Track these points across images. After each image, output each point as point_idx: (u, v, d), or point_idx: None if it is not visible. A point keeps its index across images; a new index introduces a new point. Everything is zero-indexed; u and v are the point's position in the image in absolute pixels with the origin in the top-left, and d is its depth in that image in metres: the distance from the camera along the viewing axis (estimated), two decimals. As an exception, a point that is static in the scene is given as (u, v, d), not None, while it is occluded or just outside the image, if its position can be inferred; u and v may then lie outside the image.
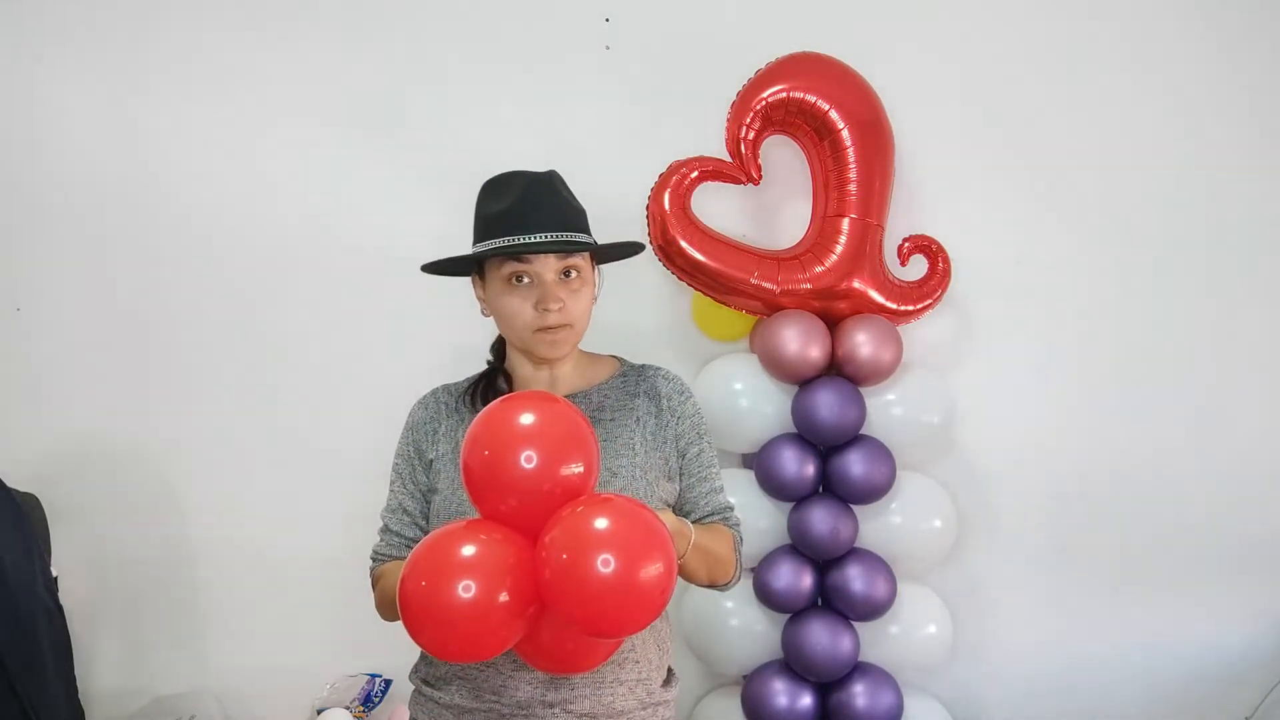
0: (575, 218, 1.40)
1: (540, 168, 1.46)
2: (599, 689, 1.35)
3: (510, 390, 1.46)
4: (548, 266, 1.36)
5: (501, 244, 1.35)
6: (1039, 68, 2.35)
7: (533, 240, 1.34)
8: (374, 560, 1.45)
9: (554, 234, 1.35)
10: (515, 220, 1.35)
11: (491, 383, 1.47)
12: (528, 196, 1.37)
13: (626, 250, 1.50)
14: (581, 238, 1.39)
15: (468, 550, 1.07)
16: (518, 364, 1.47)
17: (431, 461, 1.43)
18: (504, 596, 1.06)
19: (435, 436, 1.44)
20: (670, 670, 1.48)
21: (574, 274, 1.39)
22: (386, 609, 1.38)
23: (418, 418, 1.48)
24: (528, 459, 1.09)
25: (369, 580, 1.45)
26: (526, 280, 1.37)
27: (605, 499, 1.11)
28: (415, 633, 1.07)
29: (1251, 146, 2.34)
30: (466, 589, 1.04)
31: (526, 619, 1.09)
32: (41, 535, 2.11)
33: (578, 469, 1.12)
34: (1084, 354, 2.39)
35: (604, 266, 1.53)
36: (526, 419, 1.13)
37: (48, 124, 2.42)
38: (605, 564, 1.02)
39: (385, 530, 1.45)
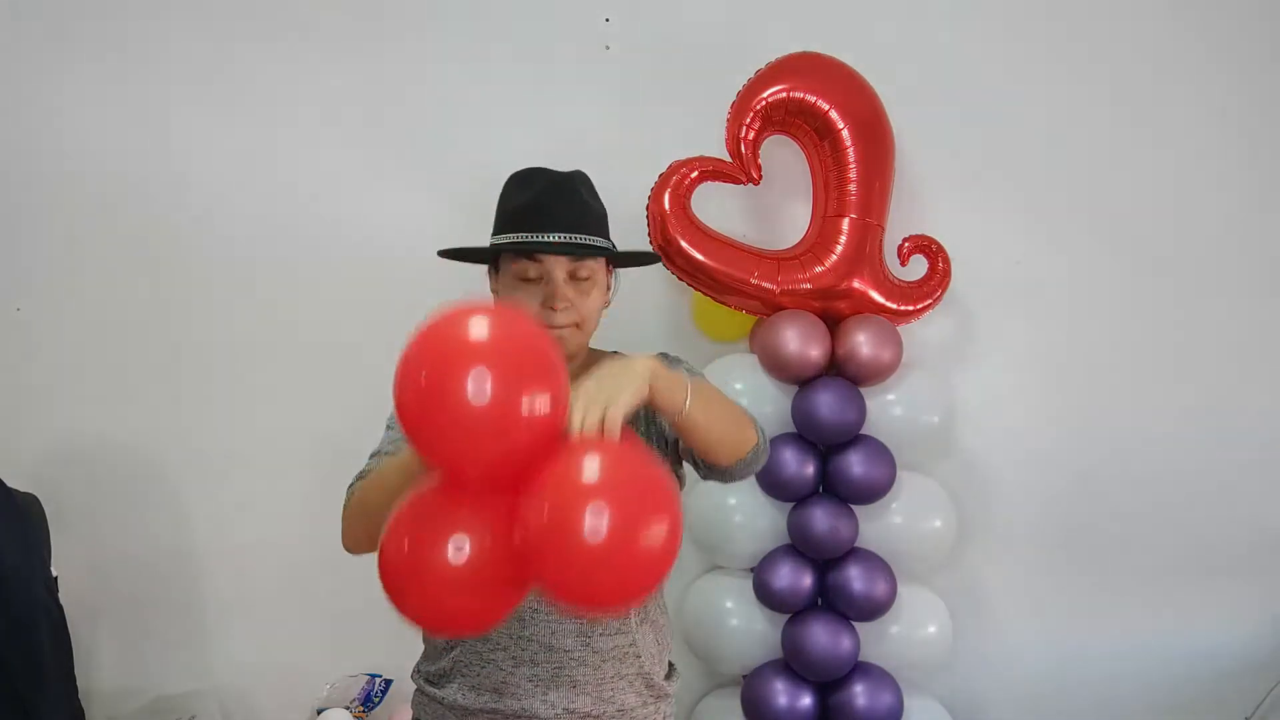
0: (593, 221, 1.39)
1: (545, 166, 1.46)
2: (600, 686, 1.34)
3: None
4: (559, 266, 1.36)
5: (515, 239, 1.35)
6: (1039, 68, 2.35)
7: (544, 240, 1.33)
8: (351, 487, 1.35)
9: (568, 235, 1.34)
10: (532, 217, 1.35)
11: None
12: (546, 194, 1.37)
13: (642, 259, 1.51)
14: (597, 241, 1.38)
15: (452, 514, 0.95)
16: None
17: None
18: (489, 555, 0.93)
19: None
20: (671, 664, 1.48)
21: (584, 276, 1.38)
22: (356, 520, 1.29)
23: None
24: (479, 391, 0.90)
25: (343, 519, 1.34)
26: (537, 278, 1.37)
27: (592, 445, 0.95)
28: (398, 601, 0.98)
29: (1252, 146, 2.34)
30: (459, 549, 0.93)
31: (521, 585, 0.98)
32: (41, 535, 2.11)
33: (542, 403, 0.94)
34: (1084, 354, 2.39)
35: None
36: (477, 333, 0.94)
37: (48, 124, 2.43)
38: (594, 535, 0.87)
39: (370, 461, 1.39)
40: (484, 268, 1.47)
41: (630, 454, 0.98)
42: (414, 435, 0.96)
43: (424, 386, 0.92)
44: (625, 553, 0.90)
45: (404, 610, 0.98)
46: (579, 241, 1.35)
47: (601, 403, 1.03)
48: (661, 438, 1.41)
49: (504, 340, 0.96)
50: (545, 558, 0.91)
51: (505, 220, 1.39)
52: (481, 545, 0.94)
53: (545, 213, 1.35)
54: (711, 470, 1.32)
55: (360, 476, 1.37)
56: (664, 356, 1.40)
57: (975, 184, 2.35)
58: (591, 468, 0.92)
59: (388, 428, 1.45)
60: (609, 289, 1.46)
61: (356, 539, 1.29)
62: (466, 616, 0.98)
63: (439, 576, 0.94)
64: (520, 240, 1.34)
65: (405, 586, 0.96)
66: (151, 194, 2.43)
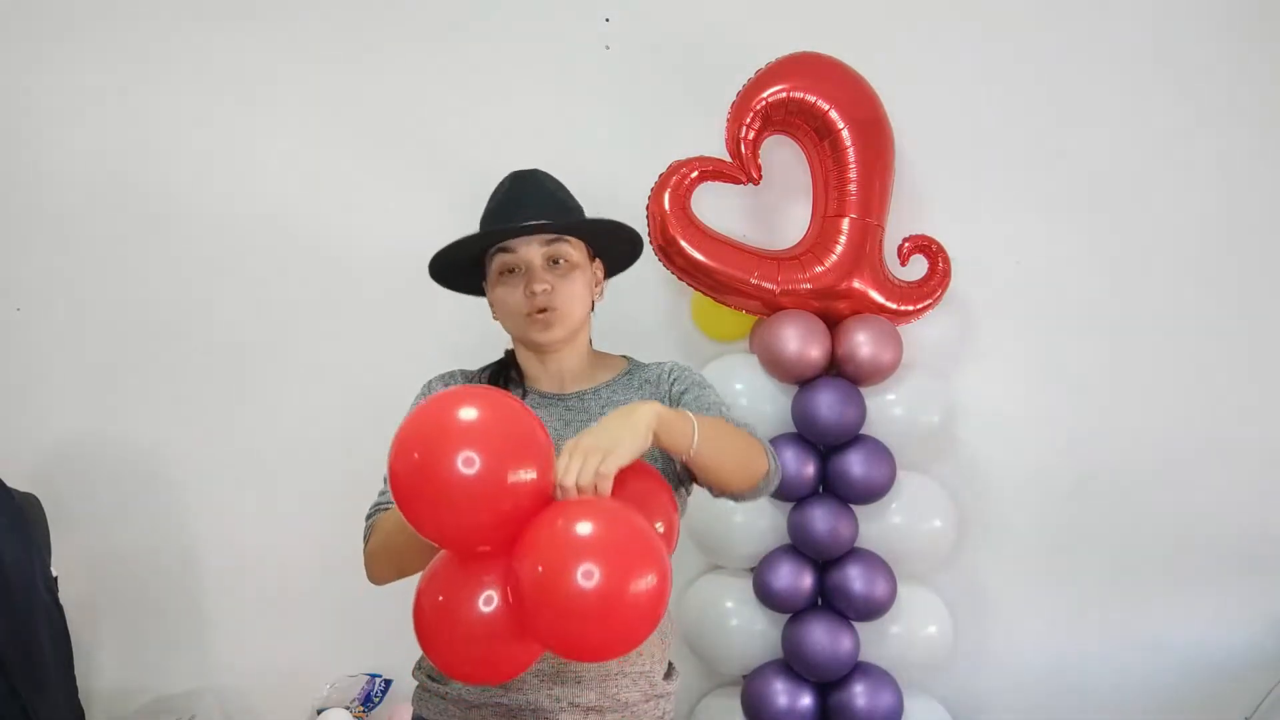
0: (558, 208, 1.42)
1: (541, 168, 1.47)
2: (604, 681, 1.35)
3: (522, 381, 1.48)
4: (533, 253, 1.39)
5: (474, 235, 1.39)
6: (1039, 68, 2.35)
7: (505, 228, 1.37)
8: (369, 516, 1.40)
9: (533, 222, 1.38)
10: (500, 212, 1.41)
11: (503, 370, 1.50)
12: (512, 190, 1.42)
13: (619, 237, 1.47)
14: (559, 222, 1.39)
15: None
16: (525, 360, 1.49)
17: None
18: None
19: None
20: (670, 663, 1.49)
21: (562, 261, 1.40)
22: (381, 558, 1.33)
23: (438, 390, 1.47)
24: (467, 462, 0.96)
25: (363, 545, 1.38)
26: (516, 267, 1.40)
27: (577, 505, 1.01)
28: (428, 650, 1.08)
29: (1252, 145, 2.34)
30: (488, 601, 1.00)
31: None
32: (41, 535, 2.11)
33: (529, 475, 0.99)
34: (1084, 353, 2.39)
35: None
36: (468, 414, 1.00)
37: (48, 124, 2.43)
38: (587, 577, 0.93)
39: (385, 491, 1.40)
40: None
41: (616, 510, 1.02)
42: (405, 513, 1.03)
43: (415, 466, 0.99)
44: (614, 607, 0.94)
45: (433, 659, 1.08)
46: (539, 223, 1.37)
47: (597, 456, 1.06)
48: (668, 456, 1.42)
49: (486, 420, 1.01)
50: (538, 616, 0.97)
51: (481, 224, 1.44)
52: (492, 604, 1.01)
53: (510, 205, 1.40)
54: (723, 494, 1.34)
55: (376, 509, 1.40)
56: (676, 369, 1.45)
57: (975, 184, 2.36)
58: (581, 528, 0.97)
59: None
60: (596, 284, 1.48)
61: (383, 575, 1.34)
62: (483, 667, 1.07)
63: (463, 631, 1.02)
64: (480, 234, 1.38)
65: (434, 639, 1.06)
66: (151, 194, 2.43)
